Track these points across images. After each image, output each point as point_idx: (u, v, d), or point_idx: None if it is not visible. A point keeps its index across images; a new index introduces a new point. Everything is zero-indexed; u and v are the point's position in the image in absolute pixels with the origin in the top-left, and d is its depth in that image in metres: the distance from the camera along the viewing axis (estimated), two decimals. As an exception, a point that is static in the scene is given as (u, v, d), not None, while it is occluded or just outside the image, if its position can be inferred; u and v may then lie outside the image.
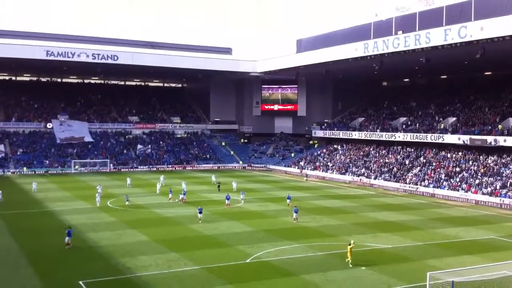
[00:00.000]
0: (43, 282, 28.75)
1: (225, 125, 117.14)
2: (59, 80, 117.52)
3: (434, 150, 78.41)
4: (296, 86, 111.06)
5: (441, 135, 76.36)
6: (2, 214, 48.92)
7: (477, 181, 65.08)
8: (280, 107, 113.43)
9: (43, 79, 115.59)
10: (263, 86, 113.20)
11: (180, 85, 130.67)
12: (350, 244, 33.33)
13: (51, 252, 35.14)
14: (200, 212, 45.92)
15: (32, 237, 39.58)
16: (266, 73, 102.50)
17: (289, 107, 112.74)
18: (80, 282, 28.36)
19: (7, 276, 29.83)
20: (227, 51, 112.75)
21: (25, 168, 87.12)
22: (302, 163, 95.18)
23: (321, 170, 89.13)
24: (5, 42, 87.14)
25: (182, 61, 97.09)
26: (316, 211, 52.64)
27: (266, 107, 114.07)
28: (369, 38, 75.08)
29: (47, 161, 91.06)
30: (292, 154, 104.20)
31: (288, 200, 56.26)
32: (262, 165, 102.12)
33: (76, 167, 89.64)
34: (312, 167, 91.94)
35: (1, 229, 42.77)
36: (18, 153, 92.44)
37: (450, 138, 74.72)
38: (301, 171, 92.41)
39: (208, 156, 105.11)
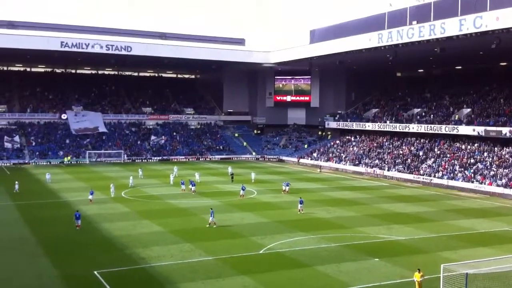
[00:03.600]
0: (59, 272, 29.03)
1: (238, 116, 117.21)
2: (73, 71, 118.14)
3: (448, 141, 77.92)
4: (309, 77, 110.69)
5: (455, 126, 75.81)
6: (17, 204, 49.55)
7: (491, 173, 64.60)
8: (293, 98, 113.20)
9: (57, 71, 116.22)
10: (276, 77, 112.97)
11: (193, 76, 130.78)
12: (418, 271, 26.12)
13: (66, 242, 35.47)
14: (212, 215, 41.05)
15: (48, 227, 39.97)
16: (279, 64, 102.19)
17: (302, 98, 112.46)
18: (95, 272, 28.65)
19: (24, 266, 30.20)
20: (240, 42, 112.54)
21: (68, 157, 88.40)
22: (315, 154, 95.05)
23: (334, 161, 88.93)
24: (20, 34, 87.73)
25: (196, 52, 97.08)
26: (329, 203, 52.59)
27: (279, 98, 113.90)
28: (383, 28, 74.54)
29: (62, 152, 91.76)
30: (305, 146, 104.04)
31: (287, 187, 58.76)
32: (275, 156, 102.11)
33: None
34: (325, 158, 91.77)
35: (17, 219, 43.28)
36: (33, 144, 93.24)
37: (464, 130, 74.18)
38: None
39: (221, 147, 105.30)
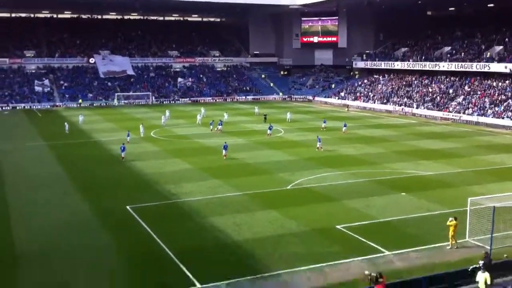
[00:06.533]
0: (92, 207, 30.00)
1: (265, 58, 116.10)
2: (99, 17, 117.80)
3: (479, 79, 76.38)
4: (337, 17, 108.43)
5: (487, 63, 74.11)
6: (51, 144, 50.69)
7: (523, 109, 63.53)
8: (320, 39, 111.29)
9: (83, 16, 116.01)
10: (302, 18, 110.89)
11: (219, 20, 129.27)
12: (453, 220, 23.95)
13: (99, 180, 36.46)
14: (225, 148, 43.50)
15: (81, 166, 40.93)
16: (305, 5, 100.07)
17: (329, 39, 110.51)
18: (128, 207, 29.49)
19: (58, 201, 31.26)
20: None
21: (80, 100, 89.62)
22: (342, 94, 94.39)
23: (362, 100, 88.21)
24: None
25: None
26: (357, 140, 52.59)
27: (305, 39, 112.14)
28: (414, -37, 72.27)
29: (91, 95, 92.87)
30: (333, 85, 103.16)
31: (344, 128, 58.13)
32: (302, 96, 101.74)
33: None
34: (353, 97, 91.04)
35: (51, 158, 44.40)
36: (63, 88, 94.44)
37: (496, 67, 72.55)
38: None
39: (248, 88, 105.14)
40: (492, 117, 64.76)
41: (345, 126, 58.59)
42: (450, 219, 23.93)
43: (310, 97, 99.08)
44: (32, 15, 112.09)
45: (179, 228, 26.54)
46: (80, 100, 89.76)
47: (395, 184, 34.58)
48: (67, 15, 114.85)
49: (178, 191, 33.09)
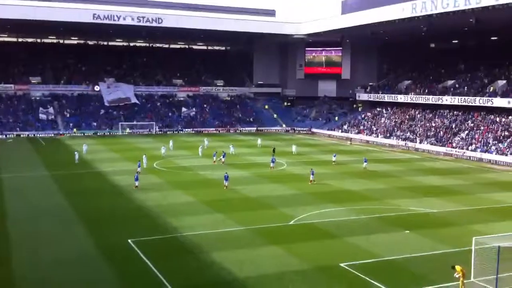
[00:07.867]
0: (94, 240, 29.83)
1: (269, 88, 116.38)
2: (105, 43, 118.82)
3: (482, 114, 76.52)
4: (341, 48, 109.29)
5: (490, 98, 74.34)
6: (54, 174, 50.64)
7: (526, 146, 63.47)
8: (324, 70, 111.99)
9: (90, 43, 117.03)
10: (307, 48, 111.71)
11: (223, 48, 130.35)
12: (457, 271, 23.05)
13: (101, 212, 36.28)
14: (226, 179, 44.45)
15: (83, 198, 40.73)
16: (310, 35, 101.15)
17: (333, 70, 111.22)
18: (129, 241, 29.32)
19: (61, 235, 31.07)
20: (271, 13, 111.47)
21: (75, 130, 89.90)
22: (345, 127, 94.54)
23: (365, 134, 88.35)
24: (53, 6, 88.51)
25: (226, 24, 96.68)
26: (359, 175, 52.43)
27: (309, 70, 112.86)
28: (417, -2, 73.08)
29: (95, 123, 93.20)
30: (336, 118, 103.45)
31: (365, 163, 56.13)
32: (305, 129, 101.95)
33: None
34: (356, 131, 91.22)
35: (54, 188, 44.29)
36: (68, 116, 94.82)
37: (499, 102, 72.71)
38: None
39: (251, 119, 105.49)
40: (496, 154, 64.67)
41: (365, 161, 56.76)
42: (455, 274, 22.98)
43: (314, 129, 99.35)
44: (38, 40, 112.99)
45: (181, 264, 26.33)
46: (74, 130, 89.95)
47: (399, 221, 34.40)
48: (73, 41, 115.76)
49: (180, 224, 32.91)
